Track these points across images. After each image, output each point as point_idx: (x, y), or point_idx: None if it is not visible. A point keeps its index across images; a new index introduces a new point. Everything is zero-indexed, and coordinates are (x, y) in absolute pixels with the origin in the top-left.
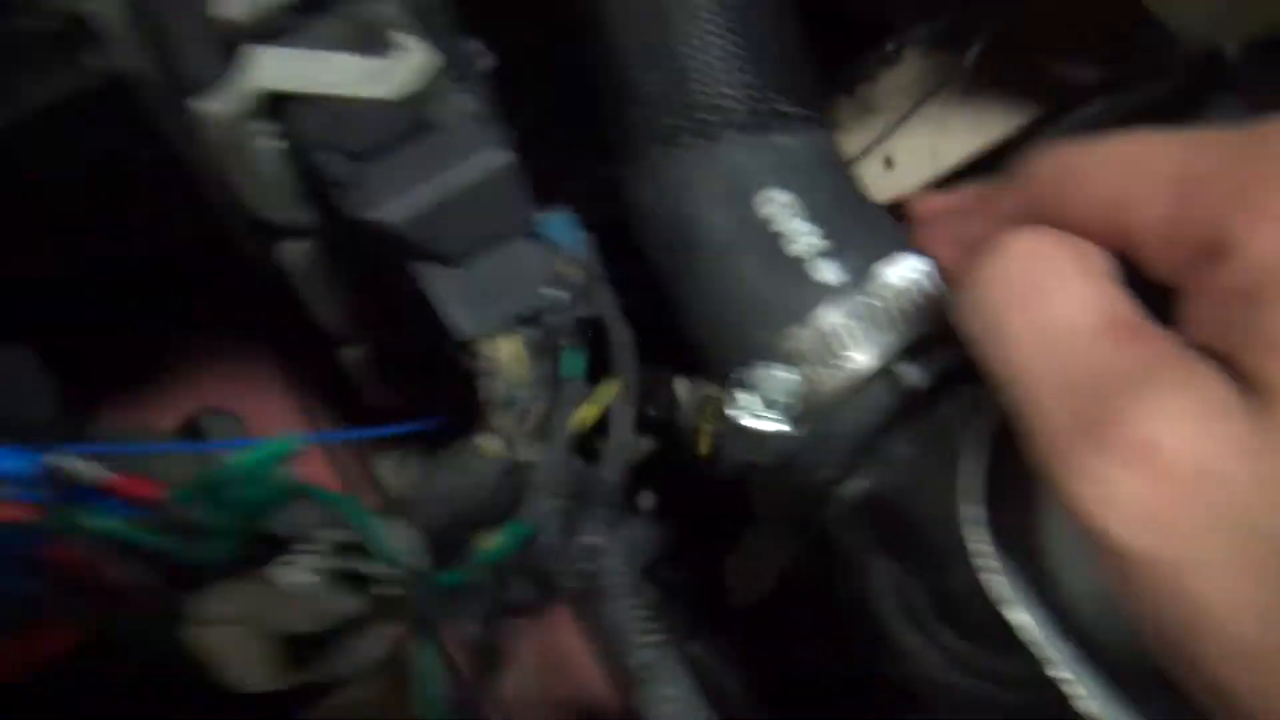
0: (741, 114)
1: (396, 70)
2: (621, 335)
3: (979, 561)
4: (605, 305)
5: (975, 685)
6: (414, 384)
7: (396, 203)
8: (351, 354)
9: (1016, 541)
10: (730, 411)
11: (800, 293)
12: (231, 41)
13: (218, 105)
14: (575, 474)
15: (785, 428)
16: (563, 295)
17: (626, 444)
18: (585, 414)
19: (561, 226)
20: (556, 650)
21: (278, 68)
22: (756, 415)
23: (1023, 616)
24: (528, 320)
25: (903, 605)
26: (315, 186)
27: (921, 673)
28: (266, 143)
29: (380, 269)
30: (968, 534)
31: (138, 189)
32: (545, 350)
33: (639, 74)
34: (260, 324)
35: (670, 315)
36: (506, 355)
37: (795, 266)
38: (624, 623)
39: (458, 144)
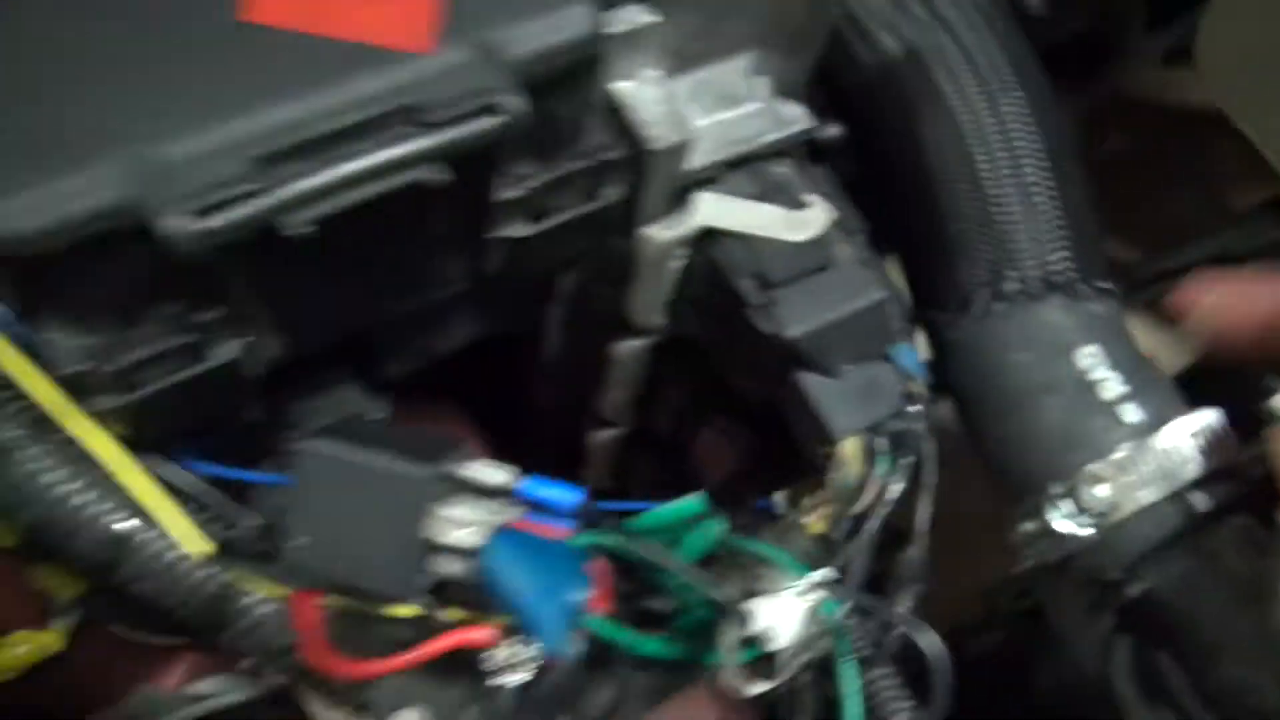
0: (1065, 282)
1: (807, 220)
2: (930, 449)
3: None
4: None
5: None
6: (628, 469)
7: (799, 322)
8: (607, 436)
9: None
10: (1049, 514)
11: (1110, 429)
12: (681, 187)
13: (666, 233)
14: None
15: (1087, 532)
16: (915, 410)
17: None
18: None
19: (909, 355)
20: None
21: (720, 209)
22: (1069, 518)
23: None
24: (878, 428)
25: (1144, 691)
26: (713, 303)
27: None
28: (678, 264)
29: (744, 375)
30: None
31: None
32: (878, 454)
33: (976, 238)
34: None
35: (976, 439)
36: (851, 453)
37: (1107, 408)
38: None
39: (847, 280)
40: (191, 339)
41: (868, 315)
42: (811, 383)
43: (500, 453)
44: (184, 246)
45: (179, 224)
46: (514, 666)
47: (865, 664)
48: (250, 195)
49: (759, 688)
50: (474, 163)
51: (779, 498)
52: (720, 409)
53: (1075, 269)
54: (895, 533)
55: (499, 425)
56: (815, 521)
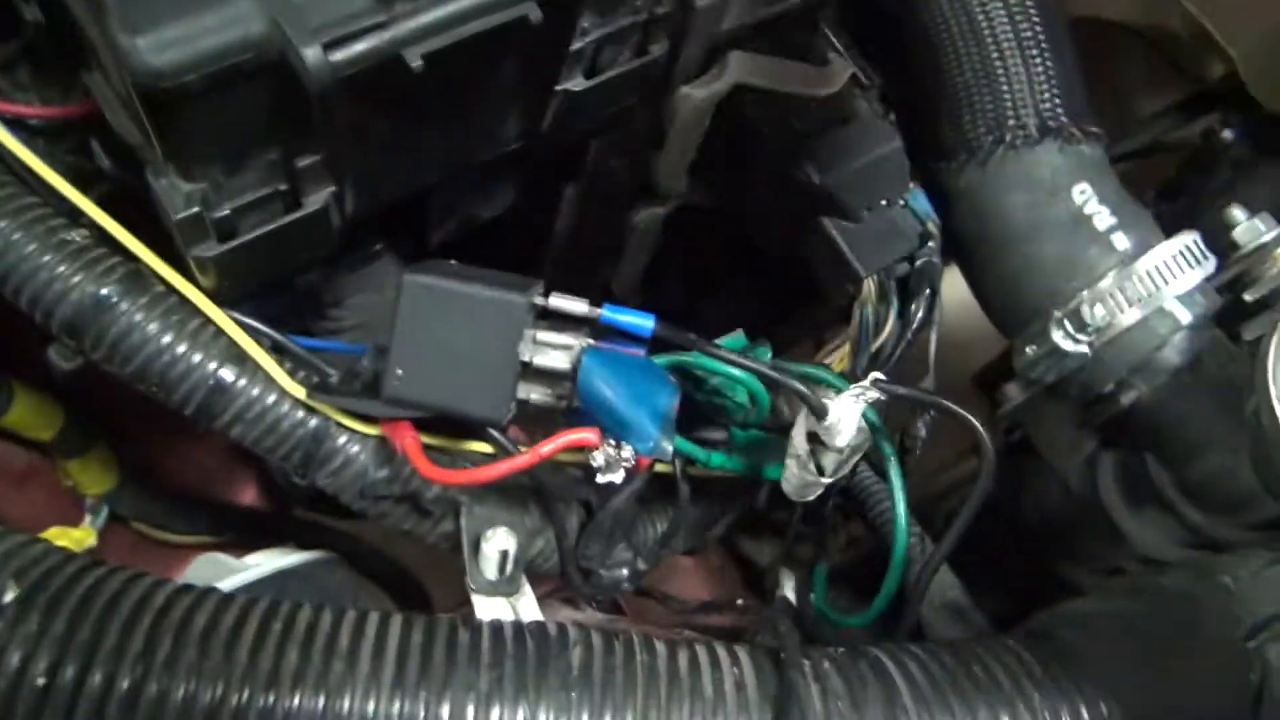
0: (1059, 126)
1: (830, 75)
2: (938, 284)
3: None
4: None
5: (1187, 554)
6: None
7: (827, 169)
8: None
9: None
10: (1053, 334)
11: (1104, 256)
12: (716, 47)
13: (701, 91)
14: None
15: (1085, 349)
16: (932, 248)
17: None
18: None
19: (923, 199)
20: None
21: (752, 67)
22: (1070, 337)
23: None
24: (889, 268)
25: (1128, 495)
26: (745, 158)
27: (1139, 549)
28: (707, 123)
29: (766, 227)
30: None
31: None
32: (890, 293)
33: (980, 89)
34: None
35: (977, 278)
36: (869, 291)
37: (1100, 238)
38: None
39: (867, 131)
40: (288, 186)
41: (887, 162)
42: (836, 227)
43: None
44: (315, 78)
45: (314, 55)
46: (611, 466)
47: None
48: (376, 28)
49: (813, 488)
50: (559, 7)
51: None
52: (725, 278)
53: (1067, 114)
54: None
55: None
56: (839, 359)
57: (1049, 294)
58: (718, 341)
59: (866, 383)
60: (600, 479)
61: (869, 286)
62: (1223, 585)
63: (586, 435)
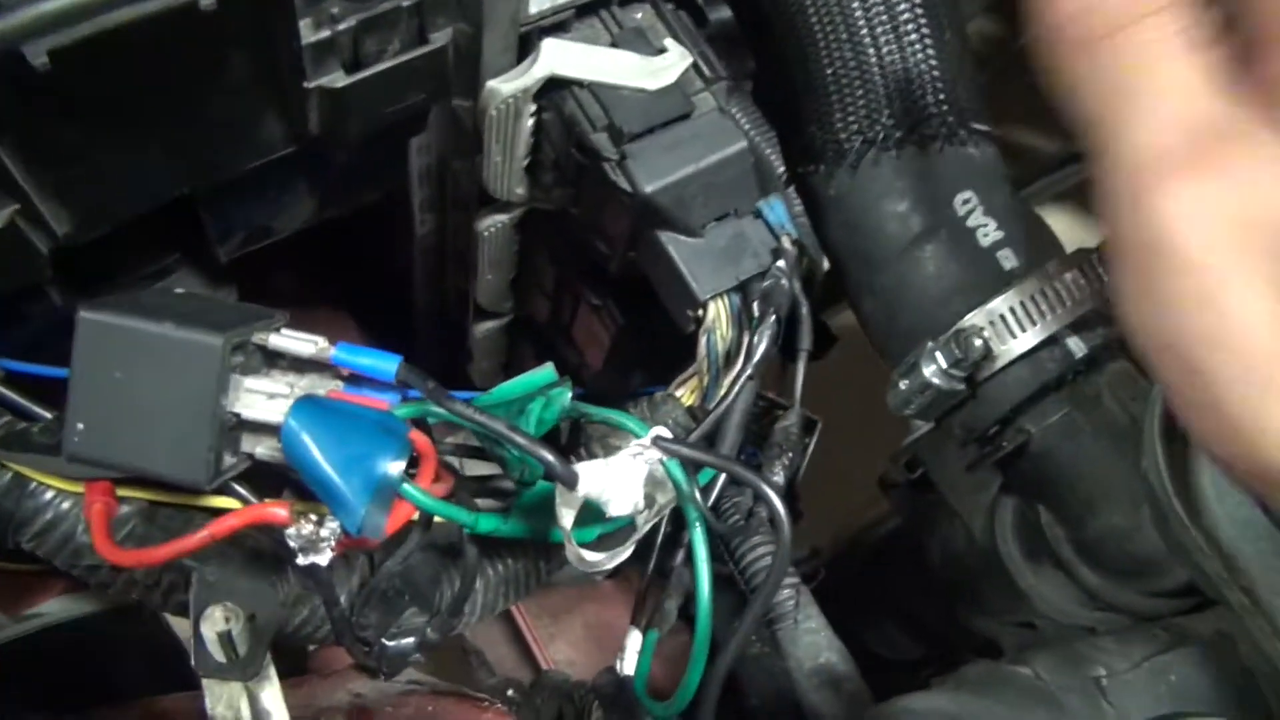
0: (940, 125)
1: (662, 66)
2: (805, 310)
3: (1160, 496)
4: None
5: (1092, 616)
6: (521, 359)
7: (654, 176)
8: (488, 327)
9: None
10: (926, 370)
11: (988, 276)
12: (526, 34)
13: (509, 85)
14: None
15: (960, 386)
16: (782, 268)
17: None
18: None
19: (777, 208)
20: (603, 623)
21: (568, 57)
22: (945, 374)
23: (1218, 523)
24: (743, 288)
25: (1027, 549)
26: (568, 162)
27: (1042, 608)
28: (528, 123)
29: (603, 240)
30: (1152, 476)
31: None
32: (745, 318)
33: (850, 84)
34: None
35: (852, 299)
36: (718, 316)
37: (984, 255)
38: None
39: (705, 131)
40: None
41: (729, 166)
42: (672, 242)
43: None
44: None
45: None
46: (313, 546)
47: (736, 534)
48: None
49: (602, 561)
50: None
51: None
52: (589, 285)
53: (951, 111)
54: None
55: (378, 320)
56: (686, 394)
57: (924, 320)
58: (527, 374)
59: (646, 440)
60: (300, 561)
61: (717, 310)
62: (1093, 679)
63: (273, 511)
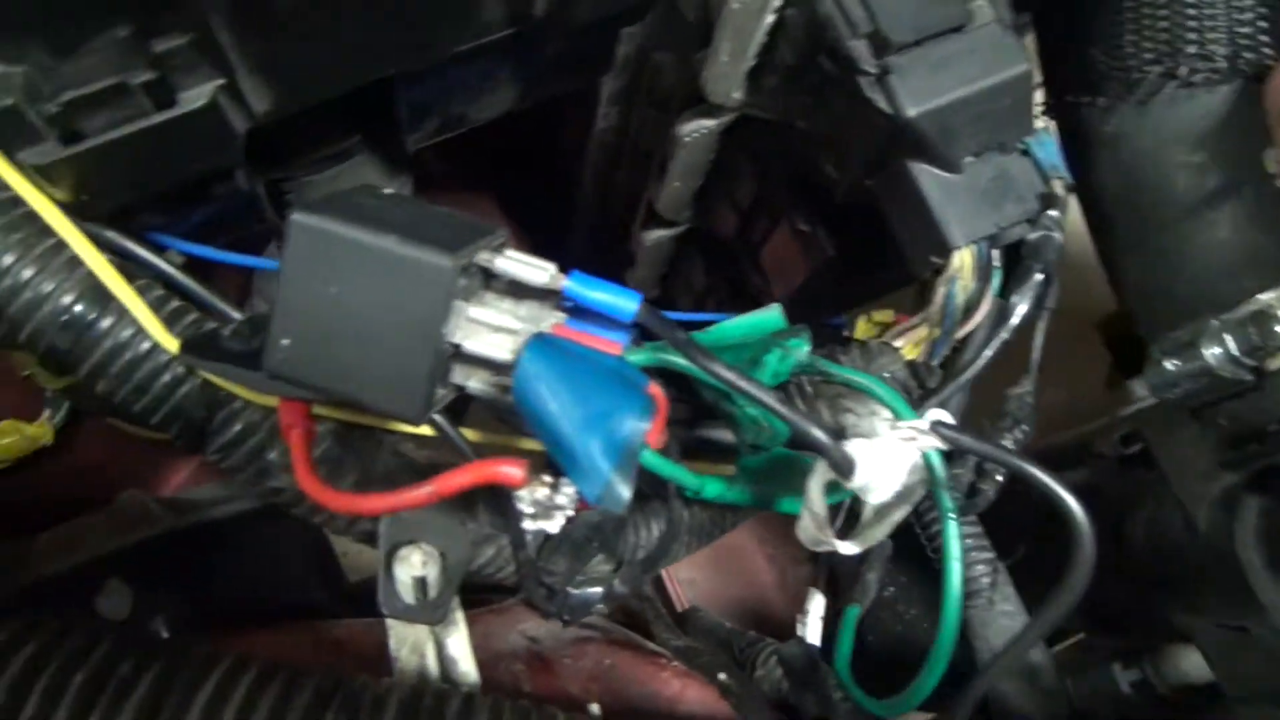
0: (1257, 66)
1: None
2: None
3: None
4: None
5: None
6: (686, 272)
7: (920, 97)
8: (659, 235)
9: None
10: (1207, 353)
11: None
12: None
13: None
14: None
15: (1249, 376)
16: (1054, 218)
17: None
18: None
19: (1051, 148)
20: (728, 546)
21: None
22: (1231, 361)
23: None
24: (1001, 237)
25: (1271, 558)
26: (809, 70)
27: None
28: (769, 19)
29: (835, 162)
30: None
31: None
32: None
33: (1152, 3)
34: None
35: (1113, 254)
36: (964, 265)
37: None
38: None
39: (982, 47)
40: (150, 76)
41: (1006, 92)
42: (926, 176)
43: (535, 252)
44: None
45: None
46: (546, 512)
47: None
48: None
49: (849, 547)
50: None
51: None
52: (798, 208)
53: (1272, 51)
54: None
55: (534, 220)
56: (909, 345)
57: (1205, 292)
58: (752, 314)
59: (923, 423)
60: (528, 526)
61: (963, 257)
62: None
63: (508, 470)
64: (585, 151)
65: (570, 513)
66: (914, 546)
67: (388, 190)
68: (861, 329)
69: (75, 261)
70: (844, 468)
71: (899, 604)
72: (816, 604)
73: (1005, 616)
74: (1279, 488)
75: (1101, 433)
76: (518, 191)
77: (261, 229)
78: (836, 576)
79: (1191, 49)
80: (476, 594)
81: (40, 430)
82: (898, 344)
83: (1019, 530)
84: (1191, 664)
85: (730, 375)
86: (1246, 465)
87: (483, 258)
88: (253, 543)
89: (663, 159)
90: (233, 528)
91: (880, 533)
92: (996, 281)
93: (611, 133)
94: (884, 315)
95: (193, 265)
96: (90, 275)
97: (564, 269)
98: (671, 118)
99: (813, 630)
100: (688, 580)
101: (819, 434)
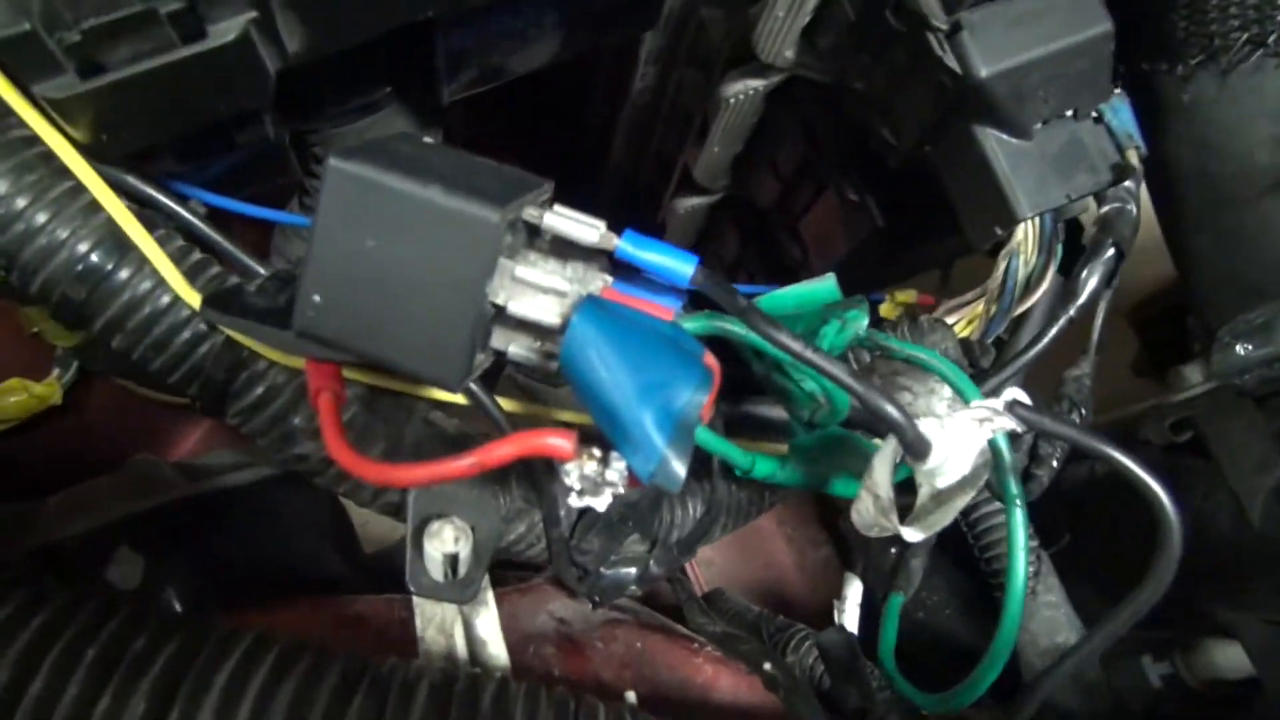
0: None
1: None
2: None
3: None
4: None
5: None
6: (718, 239)
7: (993, 57)
8: (694, 203)
9: None
10: None
11: None
12: None
13: None
14: None
15: None
16: (1130, 189)
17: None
18: None
19: (1126, 115)
20: (748, 527)
21: None
22: None
23: None
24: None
25: None
26: (872, 27)
27: None
28: None
29: (893, 126)
30: None
31: None
32: (1053, 239)
33: None
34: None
35: (1180, 230)
36: (1024, 236)
37: None
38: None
39: (1059, 4)
40: (179, 4)
41: (1085, 53)
42: (995, 143)
43: None
44: None
45: None
46: (595, 489)
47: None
48: None
49: (914, 534)
50: None
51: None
52: (846, 176)
53: None
54: None
55: (559, 185)
56: (962, 322)
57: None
58: (806, 284)
59: (998, 403)
60: (575, 502)
61: (1026, 230)
62: None
63: (557, 442)
64: (618, 113)
65: (620, 490)
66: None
67: (428, 139)
68: (886, 309)
69: (93, 207)
70: (919, 449)
71: (920, 590)
72: (854, 590)
73: (1048, 608)
74: None
75: (1145, 417)
76: (543, 154)
77: (285, 183)
78: (854, 560)
79: None
80: (499, 569)
81: (48, 389)
82: (950, 320)
83: (1059, 518)
84: (1226, 658)
85: (796, 346)
86: None
87: (530, 213)
88: (267, 512)
89: (703, 122)
90: (247, 496)
91: (945, 519)
92: (1060, 257)
93: (648, 93)
94: (906, 295)
95: (213, 217)
96: (109, 222)
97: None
98: (715, 78)
99: (850, 618)
100: (706, 561)
101: (894, 412)
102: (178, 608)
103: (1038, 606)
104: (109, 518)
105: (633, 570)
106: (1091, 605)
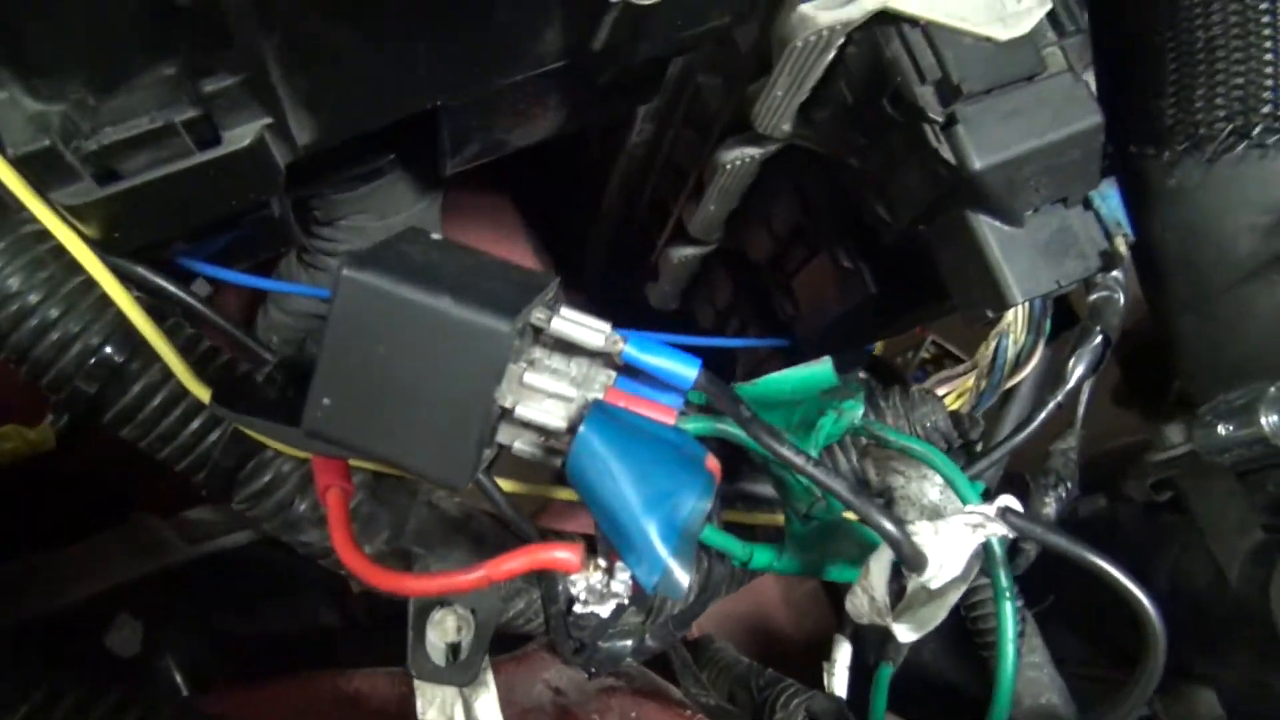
0: None
1: (1016, 11)
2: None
3: None
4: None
5: None
6: (710, 287)
7: (988, 149)
8: (687, 254)
9: None
10: (1265, 421)
11: None
12: None
13: (828, 14)
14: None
15: None
16: (1117, 280)
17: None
18: None
19: (1115, 201)
20: None
21: None
22: None
23: None
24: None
25: None
26: (869, 111)
27: None
28: (829, 58)
29: (888, 205)
30: None
31: None
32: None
33: (1228, 58)
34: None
35: (1167, 312)
36: (1015, 317)
37: None
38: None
39: (1053, 97)
40: (194, 114)
41: (1076, 145)
42: (988, 229)
43: (556, 263)
44: None
45: None
46: (600, 599)
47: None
48: None
49: (907, 634)
50: None
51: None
52: (841, 244)
53: None
54: None
55: (555, 227)
56: (952, 395)
57: (1263, 357)
58: (803, 368)
59: (989, 509)
60: (579, 610)
61: (1016, 311)
62: None
63: (563, 555)
64: (614, 162)
65: (624, 601)
66: None
67: (435, 236)
68: (881, 347)
69: (104, 301)
70: (916, 563)
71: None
72: (844, 653)
73: (1032, 668)
74: None
75: (1127, 461)
76: (539, 196)
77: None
78: (844, 622)
79: (1266, 108)
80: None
81: (42, 435)
82: (941, 391)
83: (1041, 575)
84: (1204, 703)
85: (799, 460)
86: None
87: (538, 316)
88: (264, 573)
89: (698, 181)
90: (244, 558)
91: (938, 615)
92: (1047, 335)
93: (644, 147)
94: None
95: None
96: (119, 316)
97: (588, 281)
98: (712, 141)
99: (840, 681)
100: None
101: (893, 529)
102: (177, 676)
103: (1022, 667)
104: (109, 583)
105: (628, 643)
106: (1074, 658)
